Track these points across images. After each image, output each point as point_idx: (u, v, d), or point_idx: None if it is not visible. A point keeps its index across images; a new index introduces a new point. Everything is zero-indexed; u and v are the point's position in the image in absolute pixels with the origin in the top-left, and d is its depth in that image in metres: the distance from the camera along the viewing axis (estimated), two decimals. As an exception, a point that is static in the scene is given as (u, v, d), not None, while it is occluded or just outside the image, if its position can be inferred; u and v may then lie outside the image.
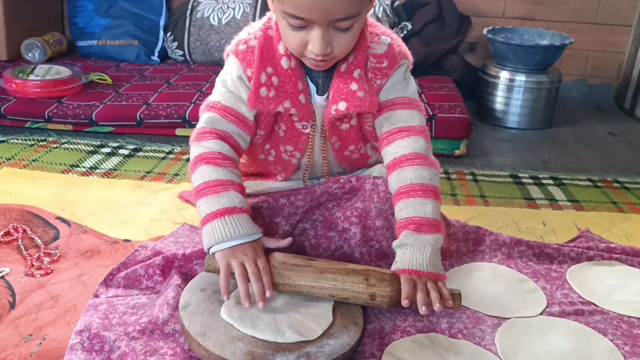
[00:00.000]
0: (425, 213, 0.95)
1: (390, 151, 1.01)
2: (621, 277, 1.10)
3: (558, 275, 1.11)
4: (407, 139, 1.01)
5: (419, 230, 0.94)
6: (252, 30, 1.03)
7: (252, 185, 1.14)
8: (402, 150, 1.00)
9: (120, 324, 0.90)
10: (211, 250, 0.92)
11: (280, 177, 1.14)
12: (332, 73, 1.01)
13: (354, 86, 0.99)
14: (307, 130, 1.05)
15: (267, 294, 0.89)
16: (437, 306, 0.89)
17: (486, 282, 1.08)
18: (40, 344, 0.88)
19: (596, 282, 1.09)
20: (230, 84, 1.01)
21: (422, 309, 0.89)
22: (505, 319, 0.98)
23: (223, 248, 0.91)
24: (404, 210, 0.96)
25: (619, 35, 2.36)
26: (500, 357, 0.89)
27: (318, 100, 1.03)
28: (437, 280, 0.93)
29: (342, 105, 0.99)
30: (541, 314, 0.99)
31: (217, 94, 1.01)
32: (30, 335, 0.90)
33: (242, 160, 1.14)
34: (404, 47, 1.05)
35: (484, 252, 1.17)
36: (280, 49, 0.98)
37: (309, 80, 1.02)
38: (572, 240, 1.25)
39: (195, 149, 0.98)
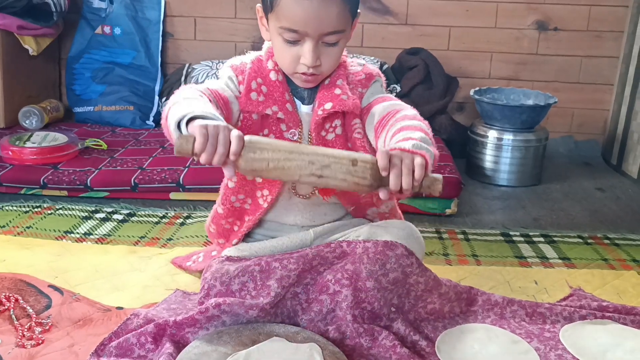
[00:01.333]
0: (413, 134, 0.97)
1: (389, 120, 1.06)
2: (615, 336, 1.10)
3: (551, 335, 1.11)
4: (401, 112, 1.06)
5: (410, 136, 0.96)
6: (246, 56, 1.17)
7: (245, 248, 1.16)
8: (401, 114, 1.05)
9: (111, 395, 0.89)
10: (179, 126, 0.91)
11: (266, 203, 1.16)
12: (317, 88, 1.13)
13: (337, 91, 1.11)
14: (295, 138, 1.13)
15: (231, 157, 0.88)
16: (406, 182, 0.87)
17: (480, 343, 1.07)
18: (30, 418, 0.87)
19: (590, 341, 1.08)
20: (220, 80, 1.13)
21: (392, 184, 0.88)
22: (499, 382, 0.97)
23: (189, 119, 0.91)
24: (398, 136, 0.98)
25: (602, 93, 2.43)
26: (495, 423, 0.88)
27: (304, 109, 1.14)
28: (415, 156, 0.90)
29: (328, 105, 1.10)
30: (536, 376, 0.99)
31: (207, 83, 1.12)
32: (20, 409, 0.89)
33: (230, 184, 1.18)
34: (376, 69, 1.18)
35: (477, 313, 1.17)
36: (269, 65, 1.12)
37: (294, 95, 1.14)
38: (564, 299, 1.26)
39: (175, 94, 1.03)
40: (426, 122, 1.06)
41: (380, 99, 1.13)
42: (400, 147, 0.92)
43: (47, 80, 2.54)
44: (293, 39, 1.04)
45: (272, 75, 1.12)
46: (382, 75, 1.20)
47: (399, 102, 1.12)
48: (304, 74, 1.07)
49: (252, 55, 1.17)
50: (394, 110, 1.07)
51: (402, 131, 0.98)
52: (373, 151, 1.11)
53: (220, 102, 1.07)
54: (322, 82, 1.13)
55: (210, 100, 1.02)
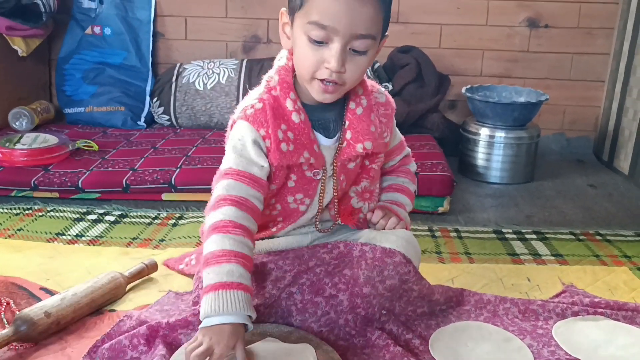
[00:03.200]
0: (405, 204, 1.21)
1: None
2: (607, 332, 1.11)
3: (544, 332, 1.11)
4: (407, 164, 1.27)
5: (398, 206, 1.20)
6: (253, 96, 1.07)
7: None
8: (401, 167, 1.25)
9: (104, 398, 0.89)
10: (201, 325, 0.91)
11: (275, 229, 1.13)
12: (342, 116, 1.09)
13: (372, 128, 1.08)
14: (318, 177, 1.08)
15: None
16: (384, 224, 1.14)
17: (473, 341, 1.08)
18: (22, 422, 0.86)
19: (582, 338, 1.09)
20: (240, 148, 1.03)
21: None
22: (493, 379, 0.97)
23: (210, 324, 0.90)
24: (391, 195, 1.21)
25: (593, 90, 2.44)
26: (489, 420, 0.88)
27: (327, 143, 1.08)
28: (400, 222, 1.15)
29: (368, 145, 1.07)
30: (529, 373, 0.99)
31: (229, 161, 1.03)
32: (12, 413, 0.88)
33: None
34: (392, 100, 1.18)
35: (470, 311, 1.17)
36: (289, 105, 1.03)
37: (314, 129, 1.07)
38: (557, 296, 1.26)
39: (210, 217, 0.98)
40: (415, 181, 1.27)
41: (400, 146, 1.23)
42: (393, 209, 1.19)
43: (37, 81, 2.52)
44: (320, 38, 0.95)
45: (295, 118, 1.03)
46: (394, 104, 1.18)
47: (408, 152, 1.26)
48: (324, 80, 0.98)
49: (260, 93, 1.06)
50: (400, 170, 1.25)
51: (396, 192, 1.22)
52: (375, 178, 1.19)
53: (256, 187, 1.01)
54: (347, 107, 1.08)
55: (242, 229, 0.97)
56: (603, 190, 2.03)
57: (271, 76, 1.07)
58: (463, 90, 2.16)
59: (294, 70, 1.05)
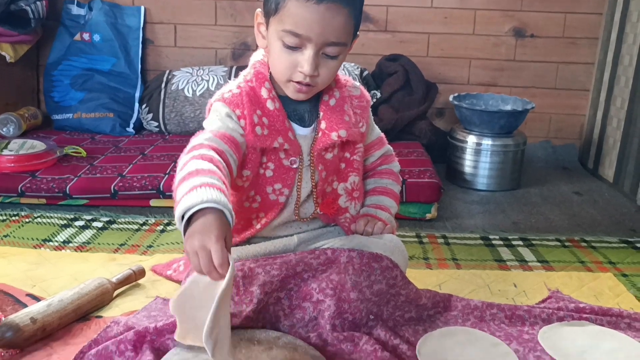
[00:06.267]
0: (390, 206, 1.22)
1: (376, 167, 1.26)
2: (592, 337, 1.12)
3: (530, 337, 1.12)
4: (390, 163, 1.27)
5: (383, 209, 1.21)
6: (231, 85, 1.10)
7: (234, 251, 1.15)
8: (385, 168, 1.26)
9: (91, 404, 0.88)
10: (183, 220, 0.85)
11: (259, 225, 1.14)
12: (316, 107, 1.12)
13: (346, 117, 1.12)
14: (295, 165, 1.10)
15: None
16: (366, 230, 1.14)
17: (460, 346, 1.08)
18: None
19: (568, 343, 1.10)
20: (217, 119, 1.04)
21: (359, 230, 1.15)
22: (479, 384, 0.98)
23: (192, 213, 0.84)
24: (375, 199, 1.22)
25: (578, 99, 2.47)
26: None
27: (303, 132, 1.11)
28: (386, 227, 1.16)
29: (343, 133, 1.10)
30: (515, 377, 1.00)
31: (209, 125, 1.04)
32: (-3, 420, 0.87)
33: None
34: (367, 93, 1.21)
35: (457, 317, 1.18)
36: (264, 93, 1.07)
37: (290, 119, 1.10)
38: (543, 301, 1.27)
39: (186, 156, 0.95)
40: (400, 181, 1.28)
41: (379, 142, 1.24)
42: (377, 215, 1.19)
43: (25, 87, 2.51)
44: (294, 44, 1.00)
45: (270, 105, 1.08)
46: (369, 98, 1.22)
47: (389, 150, 1.27)
48: (299, 82, 1.04)
49: (238, 82, 1.10)
50: (383, 171, 1.25)
51: (380, 195, 1.23)
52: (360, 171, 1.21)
53: (233, 147, 1.01)
54: (320, 100, 1.12)
55: (220, 168, 0.93)
56: (588, 197, 2.05)
57: (248, 71, 1.11)
58: (450, 98, 2.18)
59: (269, 66, 1.09)
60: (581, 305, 1.22)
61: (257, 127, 1.06)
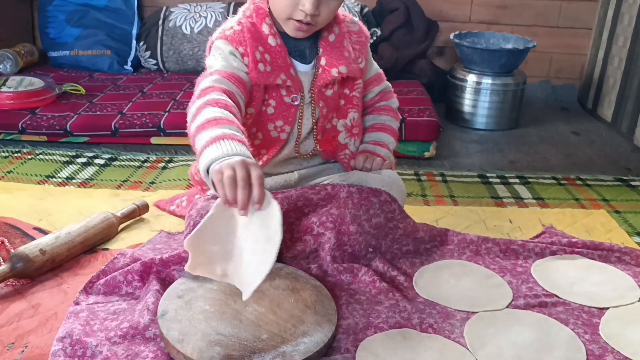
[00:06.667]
0: (388, 142, 1.23)
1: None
2: (582, 270, 1.16)
3: (523, 269, 1.16)
4: (388, 100, 1.28)
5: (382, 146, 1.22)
6: (231, 22, 1.10)
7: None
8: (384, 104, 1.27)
9: (102, 329, 0.92)
10: (208, 171, 0.87)
11: (260, 162, 1.15)
12: (316, 44, 1.12)
13: (346, 53, 1.13)
14: (297, 102, 1.12)
15: (256, 206, 0.83)
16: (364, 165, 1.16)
17: (455, 278, 1.12)
18: (23, 351, 0.90)
19: (559, 275, 1.14)
20: (221, 57, 1.05)
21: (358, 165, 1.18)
22: (473, 313, 1.02)
23: (220, 164, 0.84)
24: (374, 135, 1.23)
25: (580, 38, 2.44)
26: (468, 349, 0.93)
27: (304, 69, 1.12)
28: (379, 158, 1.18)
29: (343, 69, 1.11)
30: (507, 307, 1.04)
31: (214, 65, 1.04)
32: (12, 343, 0.92)
33: None
34: (366, 29, 1.21)
35: (453, 251, 1.22)
36: (265, 29, 1.08)
37: (291, 55, 1.11)
38: (537, 236, 1.31)
39: (199, 101, 0.96)
40: (398, 118, 1.29)
41: (377, 77, 1.25)
42: (375, 151, 1.21)
43: (19, 22, 2.47)
44: None
45: (271, 41, 1.08)
46: (368, 33, 1.22)
47: (388, 86, 1.28)
48: (299, 21, 1.04)
49: (238, 18, 1.10)
50: (382, 107, 1.26)
51: (379, 132, 1.24)
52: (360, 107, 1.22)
53: (240, 88, 1.03)
54: (320, 36, 1.12)
55: (235, 114, 0.94)
56: (586, 138, 2.07)
57: (247, 7, 1.11)
58: (451, 36, 2.16)
59: (268, 2, 1.08)
60: (573, 240, 1.26)
61: (260, 64, 1.06)
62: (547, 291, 1.09)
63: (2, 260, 1.13)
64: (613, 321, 1.01)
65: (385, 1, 2.35)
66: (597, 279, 1.13)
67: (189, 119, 0.97)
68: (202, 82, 1.02)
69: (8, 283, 1.06)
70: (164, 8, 2.38)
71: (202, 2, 2.38)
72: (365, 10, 2.34)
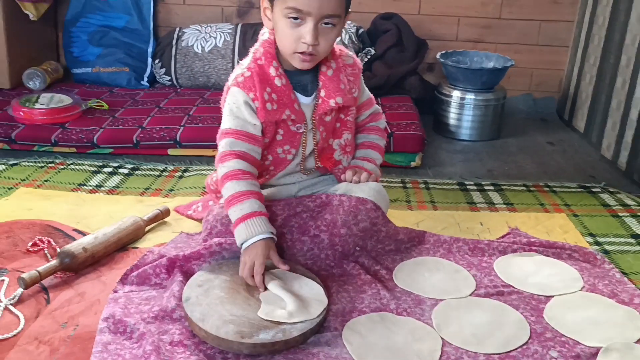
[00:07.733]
0: (375, 158, 1.44)
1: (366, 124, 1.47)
2: (537, 265, 1.36)
3: (487, 265, 1.36)
4: (377, 121, 1.48)
5: (369, 161, 1.43)
6: (243, 66, 1.31)
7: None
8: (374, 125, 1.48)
9: (137, 312, 1.13)
10: (242, 247, 1.20)
11: (268, 176, 1.37)
12: (316, 77, 1.32)
13: (342, 86, 1.32)
14: (301, 130, 1.32)
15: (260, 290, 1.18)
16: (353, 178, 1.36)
17: (429, 272, 1.32)
18: (75, 329, 1.11)
19: (516, 269, 1.34)
20: (236, 111, 1.28)
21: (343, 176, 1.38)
22: (441, 300, 1.22)
23: (247, 246, 1.19)
24: (364, 152, 1.44)
25: (558, 54, 2.65)
26: (435, 329, 1.14)
27: (306, 101, 1.31)
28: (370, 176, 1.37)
29: (340, 99, 1.31)
30: (470, 295, 1.25)
31: (227, 122, 1.28)
32: (66, 323, 1.12)
33: None
34: (359, 61, 1.41)
35: (429, 249, 1.43)
36: (272, 72, 1.27)
37: (295, 90, 1.31)
38: (502, 237, 1.50)
39: (221, 169, 1.25)
40: (385, 136, 1.50)
41: (368, 102, 1.44)
42: (363, 166, 1.41)
43: (45, 42, 2.70)
44: (296, 16, 1.18)
45: (277, 82, 1.26)
46: (361, 65, 1.41)
47: (377, 109, 1.48)
48: (302, 53, 1.21)
49: (248, 63, 1.29)
50: (371, 127, 1.46)
51: (368, 149, 1.45)
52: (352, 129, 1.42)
53: (252, 141, 1.26)
54: (319, 70, 1.31)
55: (254, 178, 1.26)
56: (559, 147, 2.27)
57: (257, 48, 1.32)
58: (437, 55, 2.37)
59: (275, 43, 1.28)
60: (532, 239, 1.46)
61: (268, 104, 1.26)
62: (505, 283, 1.29)
63: (49, 256, 1.35)
64: (556, 306, 1.21)
65: (378, 22, 2.56)
66: (549, 272, 1.33)
67: (218, 179, 1.28)
68: (220, 144, 1.27)
69: (57, 276, 1.28)
70: (177, 29, 2.60)
71: (212, 24, 2.60)
72: (361, 30, 2.55)
